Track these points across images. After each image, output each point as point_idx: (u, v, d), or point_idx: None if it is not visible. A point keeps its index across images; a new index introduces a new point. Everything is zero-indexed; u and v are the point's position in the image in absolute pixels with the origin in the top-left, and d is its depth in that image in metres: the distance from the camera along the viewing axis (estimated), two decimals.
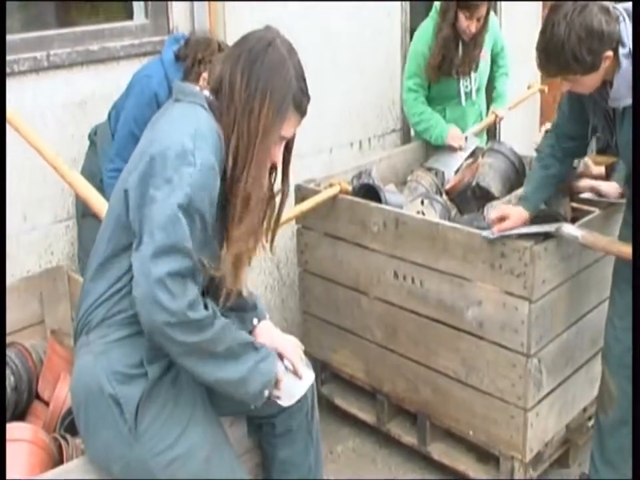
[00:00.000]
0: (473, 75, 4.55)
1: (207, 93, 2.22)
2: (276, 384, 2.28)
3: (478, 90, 4.65)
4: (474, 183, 3.93)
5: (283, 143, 2.27)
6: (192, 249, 2.04)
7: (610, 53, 2.63)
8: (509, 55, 4.81)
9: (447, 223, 3.41)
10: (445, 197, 3.97)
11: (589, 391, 3.51)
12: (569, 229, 3.08)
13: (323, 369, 3.86)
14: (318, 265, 3.78)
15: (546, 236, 3.10)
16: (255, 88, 2.15)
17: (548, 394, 3.25)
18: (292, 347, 2.42)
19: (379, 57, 4.87)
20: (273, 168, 2.33)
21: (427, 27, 4.51)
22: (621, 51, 2.65)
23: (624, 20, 2.66)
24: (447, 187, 4.10)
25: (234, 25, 3.79)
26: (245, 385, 2.19)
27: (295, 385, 2.35)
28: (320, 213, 3.64)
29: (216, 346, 2.11)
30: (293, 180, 3.78)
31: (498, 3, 5.87)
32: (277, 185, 2.40)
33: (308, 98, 2.26)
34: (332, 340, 3.83)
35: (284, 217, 3.43)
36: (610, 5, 2.67)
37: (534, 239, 3.07)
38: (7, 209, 3.09)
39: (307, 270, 3.86)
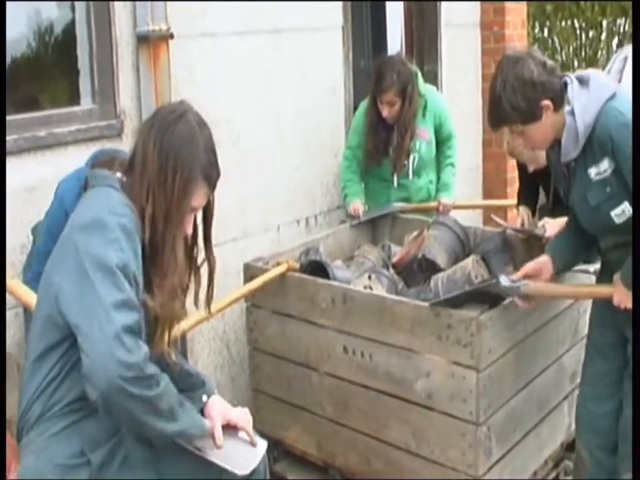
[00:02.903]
0: (410, 157, 4.69)
1: (119, 174, 2.27)
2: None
3: (419, 170, 4.76)
4: (420, 256, 4.00)
5: (194, 214, 2.31)
6: (138, 304, 2.08)
7: (547, 102, 2.81)
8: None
9: (393, 296, 3.47)
10: (391, 270, 4.03)
11: (537, 455, 3.57)
12: (507, 280, 3.13)
13: (275, 447, 3.84)
14: (267, 343, 3.80)
15: (491, 305, 3.17)
16: (166, 158, 2.20)
17: (498, 461, 3.28)
18: (244, 416, 2.46)
19: (324, 135, 5.00)
20: (193, 237, 2.38)
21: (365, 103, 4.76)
22: (566, 108, 2.84)
23: (571, 83, 2.86)
24: (394, 260, 4.17)
25: None
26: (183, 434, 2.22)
27: (250, 453, 2.40)
28: (268, 290, 3.67)
29: (162, 403, 2.11)
30: (242, 259, 3.89)
31: (439, 78, 6.07)
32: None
33: (217, 171, 2.31)
34: (283, 417, 3.83)
35: (233, 295, 3.50)
36: (546, 59, 2.90)
37: (479, 309, 3.13)
38: None
39: (256, 348, 3.87)
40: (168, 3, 3.87)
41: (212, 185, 2.31)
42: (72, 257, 2.09)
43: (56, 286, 2.11)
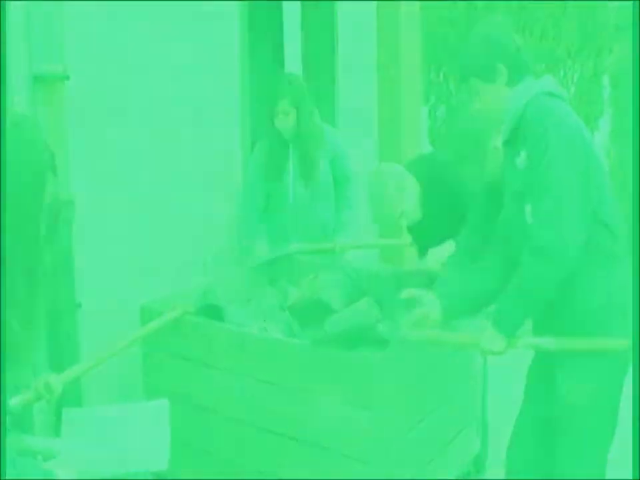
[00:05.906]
0: (308, 181, 4.74)
1: None
2: None
3: (314, 198, 4.80)
4: (315, 298, 4.03)
5: None
6: None
7: (502, 66, 2.97)
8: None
9: (288, 339, 3.51)
10: (288, 312, 4.05)
11: None
12: (386, 328, 3.22)
13: None
14: (164, 386, 3.75)
15: (386, 346, 3.22)
16: None
17: None
18: None
19: (223, 174, 5.03)
20: None
21: None
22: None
23: (527, 76, 3.00)
24: (290, 302, 4.19)
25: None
26: None
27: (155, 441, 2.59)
28: (164, 333, 3.65)
29: None
30: (139, 301, 3.85)
31: (337, 121, 6.17)
32: None
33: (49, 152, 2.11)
34: (182, 460, 3.62)
35: (128, 339, 3.47)
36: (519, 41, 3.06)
37: (374, 349, 3.17)
38: None
39: (153, 392, 3.80)
40: (65, 42, 3.85)
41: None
42: None
43: None
